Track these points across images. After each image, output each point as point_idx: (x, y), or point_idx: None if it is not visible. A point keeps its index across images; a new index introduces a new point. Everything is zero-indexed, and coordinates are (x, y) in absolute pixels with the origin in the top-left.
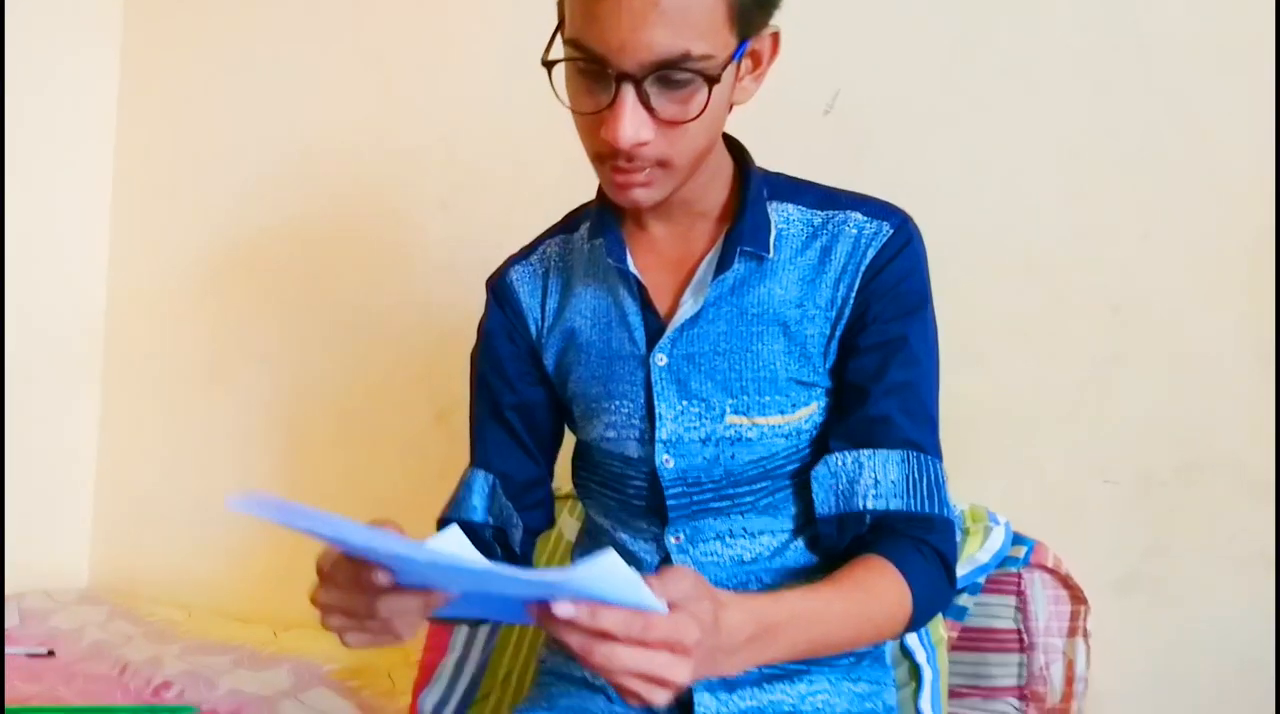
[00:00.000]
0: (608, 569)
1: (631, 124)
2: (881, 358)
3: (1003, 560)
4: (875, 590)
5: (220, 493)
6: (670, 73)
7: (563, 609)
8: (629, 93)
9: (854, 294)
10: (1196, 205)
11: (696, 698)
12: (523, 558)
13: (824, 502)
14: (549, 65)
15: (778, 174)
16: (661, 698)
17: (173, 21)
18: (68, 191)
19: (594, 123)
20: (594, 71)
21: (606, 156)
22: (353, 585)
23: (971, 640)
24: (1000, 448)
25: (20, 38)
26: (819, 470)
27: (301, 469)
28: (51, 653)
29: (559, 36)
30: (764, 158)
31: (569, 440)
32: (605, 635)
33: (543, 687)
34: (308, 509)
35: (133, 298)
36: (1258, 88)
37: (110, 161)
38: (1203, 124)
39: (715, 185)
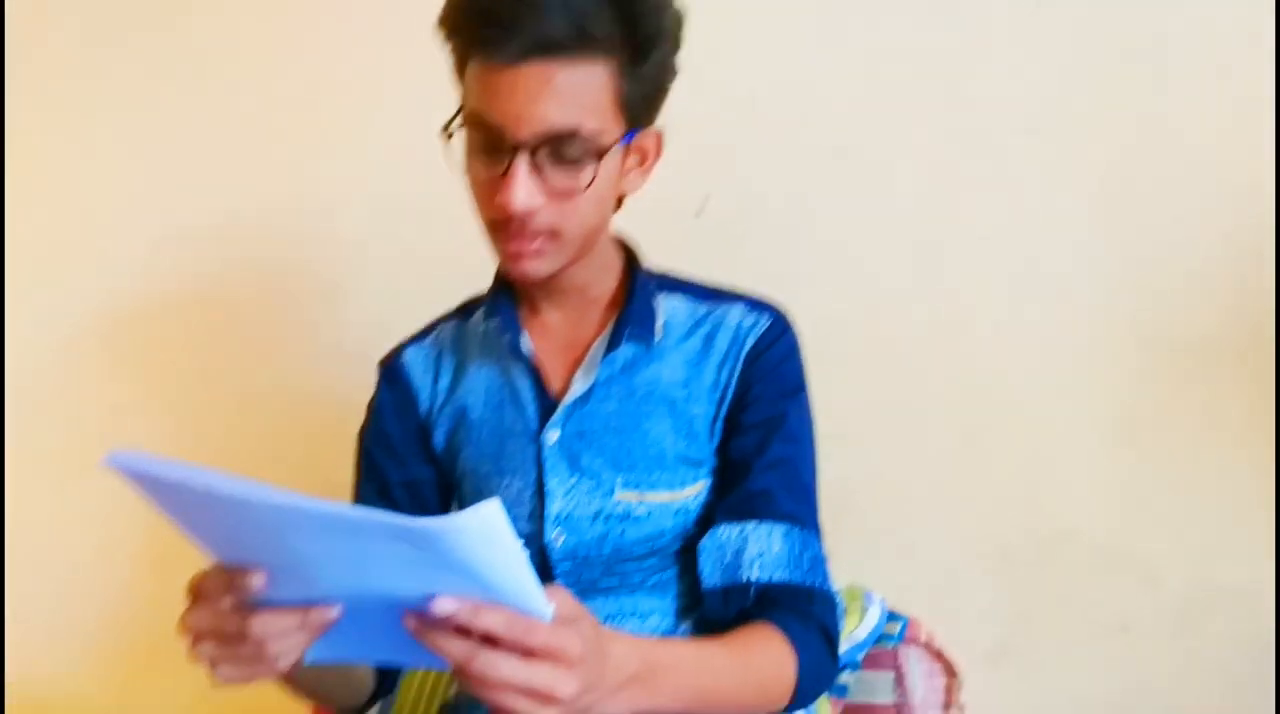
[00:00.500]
0: (488, 518)
1: (524, 189)
2: (763, 435)
3: (879, 637)
4: (760, 651)
5: (79, 590)
6: (561, 145)
7: (443, 605)
8: (523, 161)
9: (736, 378)
10: (1048, 290)
11: None
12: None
13: (710, 574)
14: (449, 135)
15: (664, 272)
16: None
17: (61, 85)
18: None
19: (489, 191)
20: (491, 143)
21: (500, 224)
22: (224, 593)
23: None
24: (872, 527)
25: None
26: (705, 543)
27: (176, 561)
28: None
29: (459, 115)
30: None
31: None
32: (486, 640)
33: None
34: (184, 469)
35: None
36: (1101, 163)
37: None
38: (1042, 216)
39: (606, 274)
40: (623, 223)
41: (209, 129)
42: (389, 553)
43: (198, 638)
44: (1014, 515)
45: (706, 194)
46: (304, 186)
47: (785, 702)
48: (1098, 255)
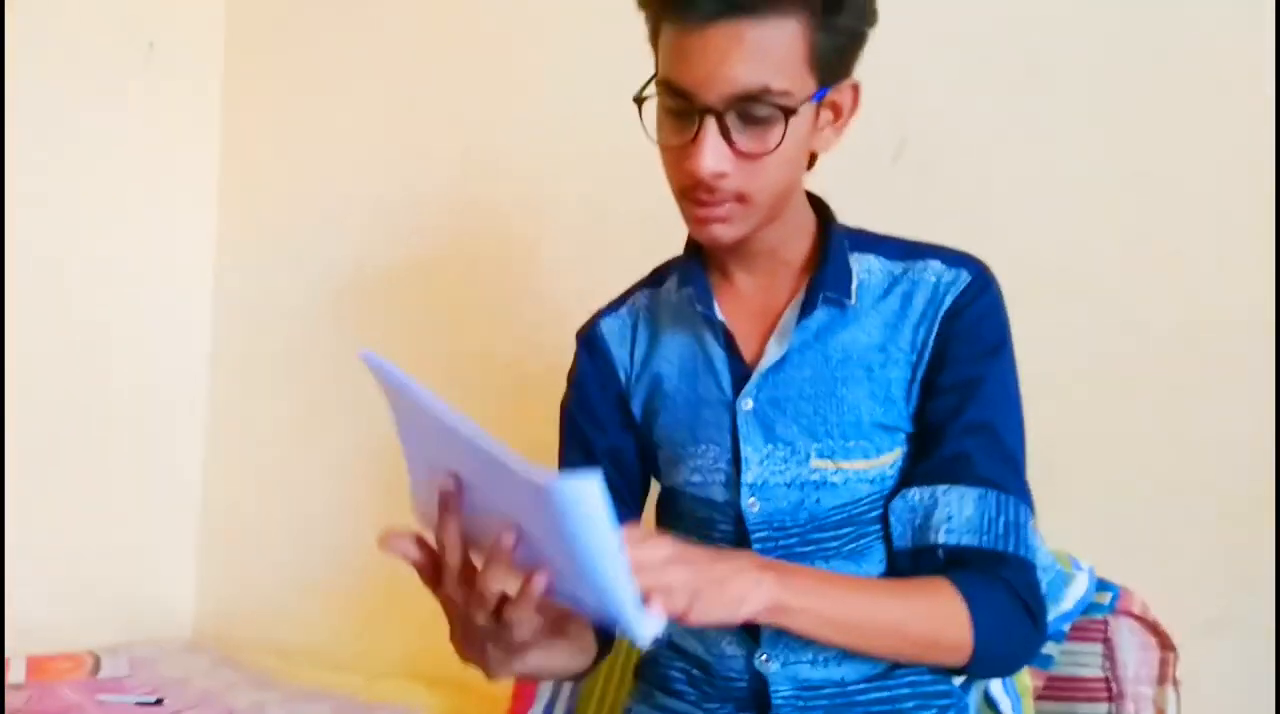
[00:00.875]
0: (582, 489)
1: (712, 154)
2: (959, 398)
3: (1087, 607)
4: (925, 595)
5: (317, 543)
6: (750, 106)
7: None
8: (711, 125)
9: (933, 337)
10: (1271, 229)
11: None
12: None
13: (900, 535)
14: (640, 101)
15: (859, 229)
16: None
17: (274, 61)
18: (171, 230)
19: (679, 157)
20: (680, 108)
21: (689, 189)
22: (445, 570)
23: (1059, 690)
24: (1079, 489)
25: (115, 82)
26: (896, 504)
27: (404, 515)
28: (160, 701)
29: (651, 82)
30: (834, 206)
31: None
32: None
33: None
34: (409, 380)
35: (237, 341)
36: None
37: (214, 199)
38: (1262, 144)
39: (798, 236)
40: (814, 170)
41: (416, 106)
42: (517, 497)
43: (450, 605)
44: (1235, 475)
45: (902, 137)
46: (505, 156)
47: (959, 657)
48: None
